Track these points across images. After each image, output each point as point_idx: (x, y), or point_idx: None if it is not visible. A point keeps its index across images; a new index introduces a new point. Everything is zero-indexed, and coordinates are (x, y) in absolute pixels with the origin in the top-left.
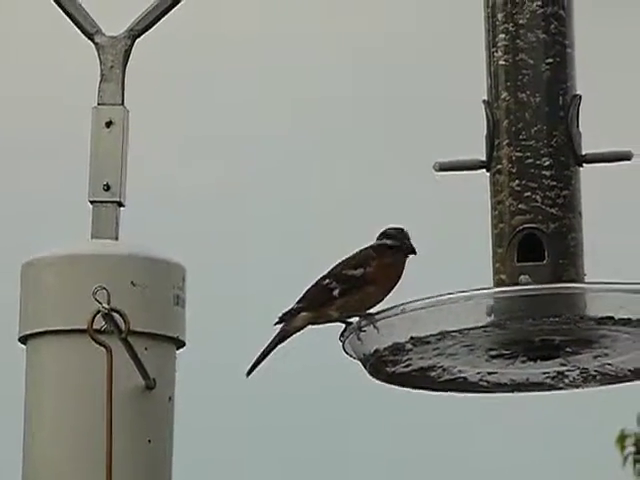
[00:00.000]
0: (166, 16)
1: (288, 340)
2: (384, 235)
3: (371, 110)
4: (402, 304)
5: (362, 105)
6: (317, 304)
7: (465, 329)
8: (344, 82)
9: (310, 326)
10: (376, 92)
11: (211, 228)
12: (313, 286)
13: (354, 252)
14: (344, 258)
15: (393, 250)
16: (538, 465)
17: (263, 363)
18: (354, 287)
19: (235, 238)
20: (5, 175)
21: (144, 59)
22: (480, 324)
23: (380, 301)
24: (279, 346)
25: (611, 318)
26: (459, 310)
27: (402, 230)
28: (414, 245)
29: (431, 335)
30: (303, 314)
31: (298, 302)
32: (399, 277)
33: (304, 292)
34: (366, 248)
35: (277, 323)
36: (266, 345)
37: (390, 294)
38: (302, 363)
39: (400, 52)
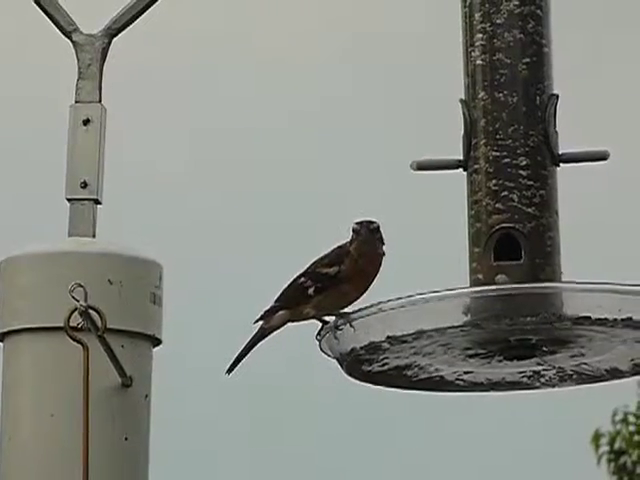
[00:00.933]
0: (144, 14)
1: (267, 338)
2: (377, 230)
3: (351, 108)
4: (379, 303)
5: (340, 103)
6: (293, 302)
7: (442, 328)
8: (323, 79)
9: (289, 324)
10: (353, 91)
11: (188, 223)
12: (289, 285)
13: (329, 250)
14: (319, 256)
15: (368, 245)
16: (514, 463)
17: (243, 361)
18: (329, 286)
19: (212, 234)
20: None
21: (121, 57)
22: (457, 323)
23: (356, 299)
24: (259, 344)
25: (588, 318)
26: (436, 309)
27: (365, 223)
28: (377, 236)
29: (408, 334)
30: (281, 312)
31: (276, 300)
32: (375, 275)
33: (281, 290)
34: (340, 246)
35: (256, 321)
36: (246, 343)
37: (366, 292)
38: (279, 359)
39: (377, 52)
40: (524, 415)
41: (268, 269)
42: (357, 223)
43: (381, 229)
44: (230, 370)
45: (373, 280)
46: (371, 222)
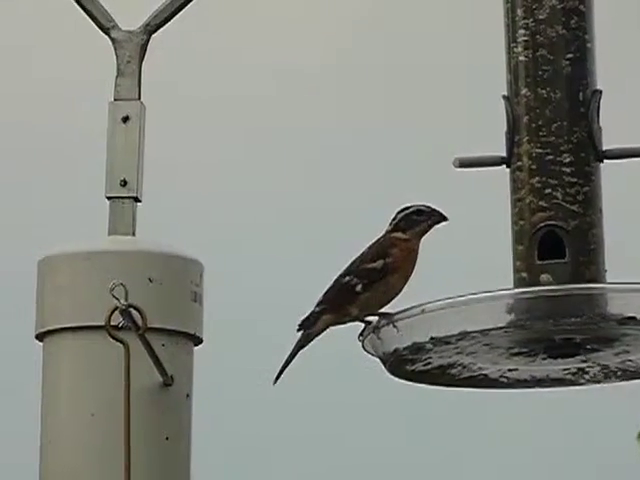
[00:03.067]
0: (182, 11)
1: (311, 343)
2: (415, 213)
3: (393, 106)
4: (422, 304)
5: (382, 101)
6: (339, 304)
7: (486, 329)
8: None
9: (331, 327)
10: (396, 89)
11: (230, 222)
12: (332, 286)
13: (368, 245)
14: (360, 253)
15: (412, 229)
16: (559, 460)
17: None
18: (376, 280)
19: (255, 233)
20: (22, 171)
21: (160, 54)
22: (500, 324)
23: (401, 290)
24: (301, 351)
25: (633, 318)
26: (479, 310)
27: (426, 205)
28: (442, 212)
29: (451, 335)
30: (325, 317)
31: (318, 304)
32: (416, 257)
33: (323, 293)
34: (379, 240)
35: (300, 327)
36: (289, 352)
37: (410, 278)
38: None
39: (419, 49)
40: (568, 412)
41: (314, 268)
42: (398, 212)
43: (417, 213)
44: (276, 379)
45: (415, 265)
46: (407, 209)
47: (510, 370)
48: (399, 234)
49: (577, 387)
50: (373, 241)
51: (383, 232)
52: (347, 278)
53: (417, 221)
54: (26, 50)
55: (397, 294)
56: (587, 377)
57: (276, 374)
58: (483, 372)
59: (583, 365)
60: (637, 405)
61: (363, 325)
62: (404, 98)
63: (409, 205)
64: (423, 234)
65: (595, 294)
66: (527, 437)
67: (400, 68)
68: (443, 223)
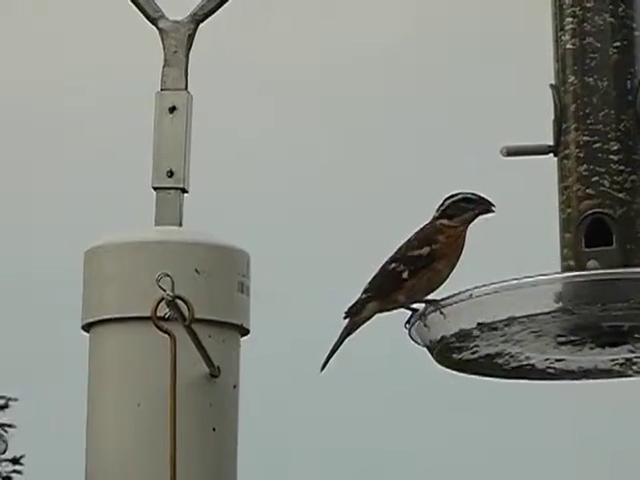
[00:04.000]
0: (230, 1)
1: (357, 330)
2: (462, 200)
3: (435, 87)
4: (469, 289)
5: (425, 77)
6: (386, 291)
7: (533, 315)
8: (409, 58)
9: (378, 314)
10: (443, 76)
11: (278, 212)
12: (379, 273)
13: (415, 232)
14: (406, 240)
15: (459, 216)
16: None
17: (335, 355)
18: (422, 267)
19: (300, 225)
20: (69, 163)
21: (208, 43)
22: (548, 310)
23: (448, 276)
24: (348, 338)
25: None
26: (527, 295)
27: (474, 193)
28: (491, 201)
29: (499, 321)
30: (371, 304)
31: (364, 292)
32: (463, 245)
33: (369, 281)
34: (425, 226)
35: (347, 315)
36: (336, 340)
37: (457, 265)
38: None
39: (466, 36)
40: (618, 404)
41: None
42: (446, 199)
43: (465, 201)
44: (323, 367)
45: (462, 252)
46: (454, 195)
47: (557, 360)
48: (446, 221)
49: (625, 378)
50: (419, 227)
51: (430, 218)
52: (393, 265)
53: (464, 209)
54: (76, 40)
55: (444, 281)
56: (635, 368)
57: (323, 362)
58: (530, 362)
59: (631, 355)
60: None
61: (409, 313)
62: (453, 90)
63: (457, 192)
64: (470, 222)
65: None
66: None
67: (451, 57)
68: (490, 214)
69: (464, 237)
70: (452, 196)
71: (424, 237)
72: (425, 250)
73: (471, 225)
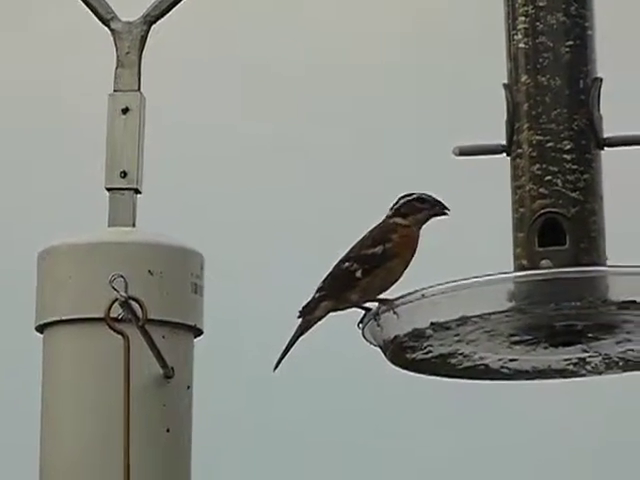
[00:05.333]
0: (183, 1)
1: (310, 330)
2: (417, 200)
3: (390, 87)
4: (422, 289)
5: (383, 80)
6: (339, 290)
7: (486, 314)
8: (371, 53)
9: (331, 313)
10: (397, 71)
11: (229, 212)
12: (332, 272)
13: (368, 230)
14: (360, 238)
15: (413, 215)
16: (573, 453)
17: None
18: (376, 266)
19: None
20: (20, 164)
21: (160, 45)
22: (501, 309)
23: (402, 275)
24: (301, 337)
25: (634, 302)
26: (479, 295)
27: (428, 195)
28: (445, 204)
29: (451, 320)
30: (325, 303)
31: (318, 290)
32: (417, 244)
33: (323, 280)
34: (379, 225)
35: (300, 314)
36: (289, 339)
37: (410, 264)
38: (321, 348)
39: (421, 34)
40: (568, 405)
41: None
42: (400, 198)
43: (420, 201)
44: (276, 366)
45: (416, 250)
46: (409, 195)
47: (511, 360)
48: (399, 219)
49: (578, 378)
50: (373, 226)
51: (383, 217)
52: (347, 264)
53: (418, 208)
54: (24, 42)
55: (397, 280)
56: (589, 368)
57: (276, 361)
58: (484, 362)
59: (584, 355)
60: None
61: (362, 312)
62: (403, 87)
63: (412, 192)
64: (423, 222)
65: (595, 277)
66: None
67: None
68: (443, 216)
69: (418, 237)
70: (406, 195)
71: (378, 236)
72: (379, 249)
73: (424, 226)
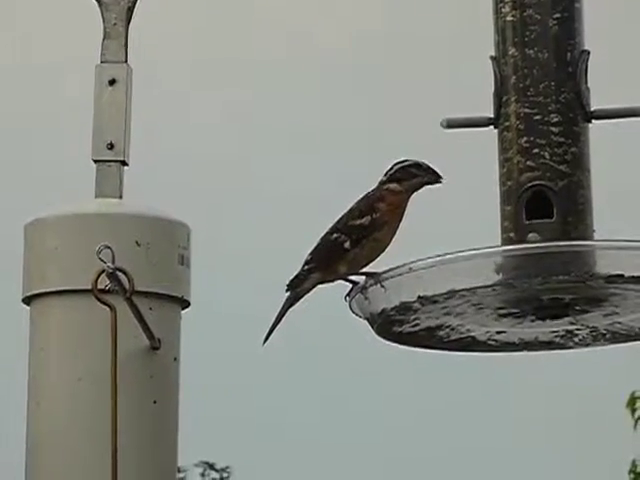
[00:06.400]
0: None
1: (299, 302)
2: (412, 166)
3: (374, 61)
4: (409, 263)
5: (365, 53)
6: (328, 262)
7: (473, 288)
8: (347, 25)
9: (320, 286)
10: (379, 48)
11: (217, 185)
12: (320, 244)
13: (356, 201)
14: (348, 209)
15: (407, 181)
16: (547, 427)
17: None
18: (364, 236)
19: (242, 196)
20: (8, 137)
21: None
22: (488, 283)
23: (389, 244)
24: (290, 309)
25: (621, 276)
26: (467, 269)
27: (424, 163)
28: (439, 172)
29: (439, 294)
30: (313, 275)
31: (306, 263)
32: (404, 211)
33: (311, 252)
34: (367, 195)
35: (289, 287)
36: (278, 312)
37: (398, 235)
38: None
39: (409, 6)
40: (554, 378)
41: (300, 229)
42: (395, 164)
43: (415, 167)
44: (266, 339)
45: (402, 219)
46: (405, 161)
47: (498, 332)
48: (393, 185)
49: (566, 350)
50: (362, 195)
51: (377, 183)
52: (335, 235)
53: (413, 174)
54: (11, 16)
55: (384, 249)
56: (576, 340)
57: (265, 334)
58: (471, 334)
59: (572, 327)
60: (626, 371)
61: (350, 286)
62: (394, 60)
63: (406, 159)
64: (416, 189)
65: (582, 251)
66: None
67: (390, 32)
68: (437, 185)
69: (405, 205)
70: (402, 161)
71: (365, 206)
72: (366, 219)
73: (415, 194)
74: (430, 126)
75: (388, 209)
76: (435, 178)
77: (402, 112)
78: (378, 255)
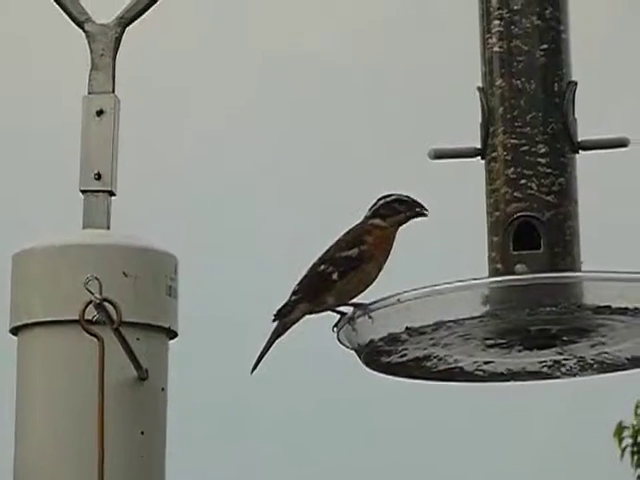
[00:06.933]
0: (157, 3)
1: (287, 333)
2: (395, 201)
3: (364, 91)
4: (397, 294)
5: (356, 84)
6: (315, 292)
7: (461, 319)
8: (342, 59)
9: (307, 316)
10: (370, 73)
11: (204, 216)
12: (308, 275)
13: (343, 233)
14: (335, 241)
15: (391, 217)
16: (535, 456)
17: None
18: (352, 268)
19: (230, 228)
20: None
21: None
22: (476, 314)
23: (377, 277)
24: (278, 340)
25: (608, 307)
26: (454, 300)
27: (408, 196)
28: (424, 205)
29: (426, 325)
30: (301, 305)
31: (294, 293)
32: (392, 246)
33: (299, 282)
34: (354, 227)
35: (276, 317)
36: (266, 342)
37: (386, 266)
38: (297, 350)
39: (395, 38)
40: (543, 407)
41: (289, 261)
42: (379, 199)
43: (398, 202)
44: (254, 369)
45: (390, 252)
46: (388, 196)
47: (486, 363)
48: (377, 221)
49: (553, 380)
50: (349, 228)
51: (361, 218)
52: (323, 266)
53: (397, 210)
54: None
55: (372, 282)
56: (563, 370)
57: (253, 364)
58: (459, 365)
59: (559, 357)
60: (613, 401)
61: (337, 316)
62: (382, 90)
63: (391, 193)
64: (401, 224)
65: (570, 283)
66: (498, 432)
67: (379, 63)
68: (422, 217)
69: (393, 238)
70: (385, 197)
71: (353, 238)
72: (354, 251)
73: (402, 227)
74: (417, 156)
75: (375, 242)
76: (419, 212)
77: (388, 142)
78: (366, 287)
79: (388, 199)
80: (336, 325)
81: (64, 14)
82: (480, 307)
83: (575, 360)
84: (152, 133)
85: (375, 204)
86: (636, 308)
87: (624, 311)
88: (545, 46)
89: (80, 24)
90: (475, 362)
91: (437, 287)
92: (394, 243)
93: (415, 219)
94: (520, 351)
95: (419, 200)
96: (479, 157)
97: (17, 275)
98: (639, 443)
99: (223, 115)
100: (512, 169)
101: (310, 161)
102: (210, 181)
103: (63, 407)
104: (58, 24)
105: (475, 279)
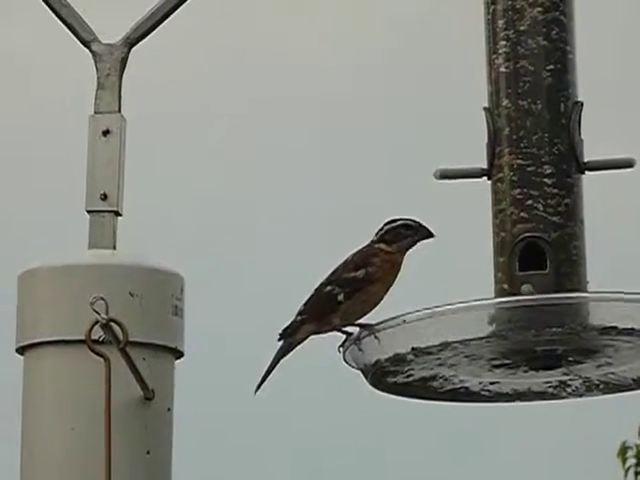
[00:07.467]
0: (163, 23)
1: (292, 353)
2: (401, 227)
3: (369, 114)
4: (403, 314)
5: (361, 107)
6: (320, 313)
7: (467, 340)
8: (344, 81)
9: (313, 336)
10: (376, 96)
11: (211, 236)
12: (314, 295)
13: (351, 254)
14: (342, 262)
15: (397, 242)
16: (540, 476)
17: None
18: (358, 289)
19: (236, 244)
20: (1, 185)
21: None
22: (482, 335)
23: (382, 299)
24: (283, 360)
25: (614, 328)
26: (460, 321)
27: (414, 220)
28: (430, 229)
29: (432, 346)
30: (306, 325)
31: (299, 313)
32: (399, 270)
33: (304, 302)
34: (361, 249)
35: (281, 337)
36: (270, 361)
37: (392, 288)
38: (302, 370)
39: (401, 58)
40: (548, 428)
41: (296, 278)
42: (385, 224)
43: (404, 227)
44: (258, 388)
45: (397, 275)
46: (394, 221)
47: (492, 383)
48: (383, 245)
49: (559, 401)
50: (356, 250)
51: (368, 242)
52: (329, 287)
53: (403, 235)
54: (4, 62)
55: (378, 304)
56: (569, 390)
57: (257, 384)
58: (465, 385)
59: (565, 378)
60: (618, 421)
61: (343, 337)
62: (387, 111)
63: (397, 218)
64: (408, 249)
65: (576, 303)
66: (501, 452)
67: (383, 83)
68: (429, 240)
69: (401, 262)
70: (392, 221)
71: (360, 260)
72: (360, 273)
73: (409, 251)
74: (423, 177)
75: (382, 264)
76: (426, 235)
77: (394, 162)
78: (371, 309)
79: (394, 224)
80: (342, 345)
81: (71, 34)
82: (486, 327)
83: (581, 380)
84: (158, 154)
85: (381, 229)
86: None
87: (630, 332)
88: (551, 67)
89: (87, 44)
90: (481, 382)
91: (443, 308)
92: (402, 267)
93: (422, 242)
94: (526, 371)
95: (425, 224)
96: (485, 177)
97: (23, 295)
98: None
99: (230, 135)
100: (518, 190)
101: (315, 183)
102: (218, 202)
103: (69, 427)
104: (64, 44)
105: (481, 299)
